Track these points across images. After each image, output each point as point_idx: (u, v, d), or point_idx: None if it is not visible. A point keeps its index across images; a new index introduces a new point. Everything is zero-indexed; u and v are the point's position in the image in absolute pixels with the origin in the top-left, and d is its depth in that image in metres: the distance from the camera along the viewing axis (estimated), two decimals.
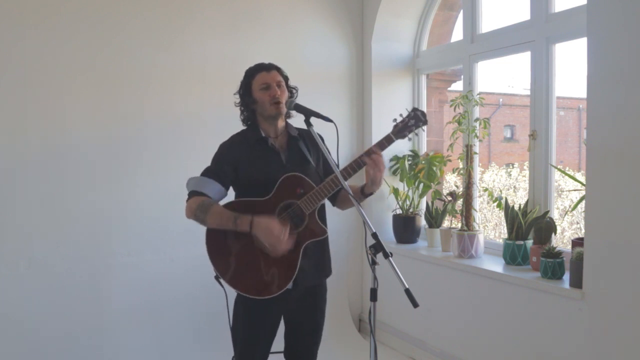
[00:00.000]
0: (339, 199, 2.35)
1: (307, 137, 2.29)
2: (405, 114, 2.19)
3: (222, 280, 2.12)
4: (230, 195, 2.23)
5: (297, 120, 2.25)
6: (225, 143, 2.25)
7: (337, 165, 2.07)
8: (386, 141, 2.14)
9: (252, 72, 2.23)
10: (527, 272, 2.94)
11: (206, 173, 2.18)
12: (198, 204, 2.09)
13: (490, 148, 10.95)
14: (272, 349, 2.28)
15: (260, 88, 2.18)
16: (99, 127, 3.24)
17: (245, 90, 2.23)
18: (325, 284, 2.34)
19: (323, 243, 2.27)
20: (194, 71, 3.49)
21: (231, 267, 2.12)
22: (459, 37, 3.71)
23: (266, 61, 2.28)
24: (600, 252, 2.41)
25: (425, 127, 2.29)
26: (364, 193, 2.20)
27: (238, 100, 2.27)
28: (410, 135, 2.19)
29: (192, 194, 2.14)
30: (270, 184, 2.13)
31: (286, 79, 2.27)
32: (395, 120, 2.20)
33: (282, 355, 2.35)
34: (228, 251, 2.13)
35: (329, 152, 2.09)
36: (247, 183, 2.17)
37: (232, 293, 2.19)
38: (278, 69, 2.25)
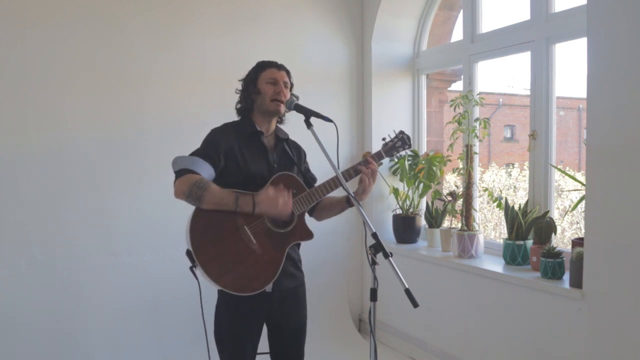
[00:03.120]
0: (318, 208, 2.34)
1: (292, 146, 2.33)
2: (393, 135, 2.34)
3: (197, 272, 2.04)
4: None
5: (297, 121, 2.25)
6: (218, 129, 2.22)
7: (338, 167, 2.07)
8: (377, 157, 2.26)
9: (263, 65, 2.24)
10: (527, 272, 2.94)
11: (198, 154, 2.11)
12: (195, 181, 2.01)
13: (490, 148, 10.96)
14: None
15: (267, 82, 2.20)
16: (99, 126, 3.24)
17: (252, 79, 2.23)
18: (304, 282, 2.32)
19: (298, 246, 2.27)
20: (194, 71, 3.49)
21: (213, 259, 2.04)
22: (459, 37, 3.71)
23: (266, 59, 2.29)
24: (600, 252, 2.41)
25: (408, 150, 2.41)
26: (349, 202, 2.22)
27: (239, 88, 2.27)
28: (396, 156, 2.30)
29: (183, 172, 2.05)
30: (254, 180, 2.11)
31: (291, 85, 2.28)
32: (384, 139, 2.33)
33: (268, 356, 2.32)
34: (213, 243, 2.05)
35: (329, 156, 2.09)
36: (232, 174, 2.12)
37: (211, 290, 2.14)
38: (288, 72, 2.27)
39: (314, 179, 2.36)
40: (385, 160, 3.92)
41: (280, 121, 2.31)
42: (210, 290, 2.14)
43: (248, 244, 2.07)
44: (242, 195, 2.04)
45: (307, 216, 2.32)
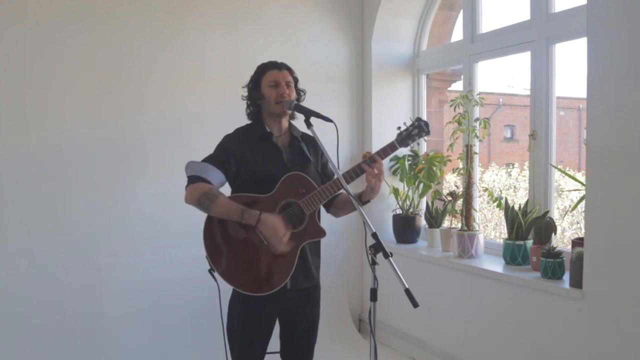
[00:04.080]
0: (335, 205, 2.34)
1: (308, 141, 2.31)
2: (409, 123, 2.21)
3: (216, 275, 2.11)
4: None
5: (297, 121, 2.26)
6: (230, 135, 2.25)
7: (338, 166, 2.07)
8: (390, 148, 2.16)
9: (264, 68, 2.24)
10: (527, 272, 2.94)
11: (209, 160, 2.15)
12: (204, 191, 2.06)
13: (490, 148, 10.95)
14: (267, 350, 2.28)
15: (269, 85, 2.20)
16: (99, 126, 3.24)
17: (255, 84, 2.24)
18: (319, 284, 2.33)
19: (318, 245, 2.28)
20: (194, 71, 3.49)
21: (228, 262, 2.11)
22: (459, 37, 3.71)
23: (267, 61, 2.28)
24: (600, 252, 2.41)
25: (426, 137, 2.34)
26: (360, 200, 2.20)
27: (245, 94, 2.28)
28: (412, 144, 2.27)
29: (195, 178, 2.10)
30: (269, 182, 2.13)
31: (296, 80, 2.28)
32: (399, 128, 2.21)
33: (278, 355, 2.34)
34: (226, 246, 2.12)
35: (329, 156, 2.09)
36: (246, 178, 2.16)
37: (226, 290, 2.17)
38: (289, 70, 2.26)
39: (332, 175, 2.34)
40: (386, 160, 3.93)
41: (292, 117, 2.31)
42: (223, 288, 2.16)
43: (260, 246, 2.10)
44: (248, 209, 2.05)
45: (324, 213, 2.34)
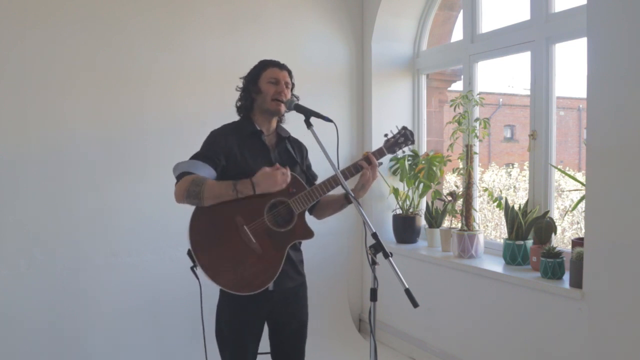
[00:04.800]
0: (319, 206, 2.34)
1: (294, 143, 2.33)
2: (395, 131, 2.30)
3: (198, 271, 2.06)
4: None
5: (297, 121, 2.25)
6: (217, 131, 2.22)
7: (338, 167, 2.07)
8: (378, 154, 2.24)
9: (266, 64, 2.24)
10: (527, 272, 2.94)
11: (197, 157, 2.12)
12: (190, 180, 2.02)
13: (490, 148, 10.96)
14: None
15: (269, 81, 2.19)
16: (99, 126, 3.24)
17: (253, 78, 2.23)
18: (305, 282, 2.32)
19: (299, 246, 2.28)
20: (194, 71, 3.49)
21: (213, 259, 2.06)
22: (459, 37, 3.71)
23: (269, 58, 2.29)
24: (600, 252, 2.41)
25: (411, 146, 2.46)
26: (348, 199, 2.22)
27: (240, 86, 2.27)
28: (398, 152, 2.33)
29: (183, 175, 2.06)
30: None
31: (292, 85, 2.28)
32: (386, 135, 2.31)
33: (269, 356, 2.32)
34: (212, 244, 2.07)
35: (328, 155, 2.09)
36: (234, 175, 2.12)
37: (210, 290, 2.14)
38: (289, 72, 2.26)
39: (315, 177, 2.36)
40: (386, 160, 3.94)
41: (281, 120, 2.31)
42: (212, 290, 2.14)
43: (248, 244, 2.07)
44: (239, 181, 2.04)
45: (307, 215, 2.33)
